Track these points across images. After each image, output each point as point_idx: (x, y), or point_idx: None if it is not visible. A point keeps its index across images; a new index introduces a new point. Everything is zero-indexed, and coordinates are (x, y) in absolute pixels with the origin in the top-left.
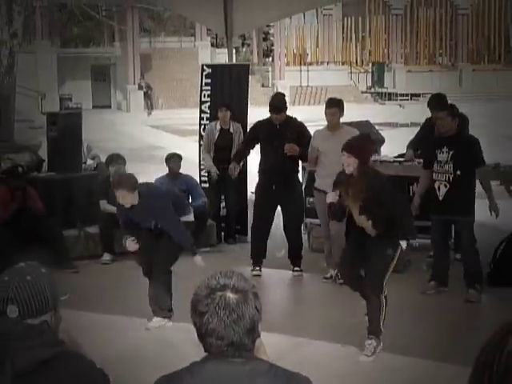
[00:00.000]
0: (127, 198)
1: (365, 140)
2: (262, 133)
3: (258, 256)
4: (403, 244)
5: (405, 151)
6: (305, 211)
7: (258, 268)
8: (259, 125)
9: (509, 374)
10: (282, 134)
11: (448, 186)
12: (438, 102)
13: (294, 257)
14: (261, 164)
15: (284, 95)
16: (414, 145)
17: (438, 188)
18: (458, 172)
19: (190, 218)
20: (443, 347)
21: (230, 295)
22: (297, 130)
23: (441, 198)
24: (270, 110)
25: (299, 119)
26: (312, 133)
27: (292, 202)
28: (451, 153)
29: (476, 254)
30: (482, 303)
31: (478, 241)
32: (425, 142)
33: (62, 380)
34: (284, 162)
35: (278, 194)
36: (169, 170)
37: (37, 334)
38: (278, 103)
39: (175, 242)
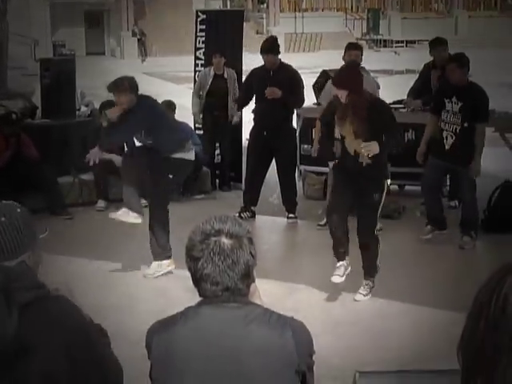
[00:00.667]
0: (123, 98)
1: (351, 70)
2: (256, 79)
3: (249, 201)
4: (388, 181)
5: (400, 98)
6: (299, 158)
7: (246, 213)
8: (254, 72)
9: (505, 314)
10: (274, 81)
11: (454, 138)
12: (439, 45)
13: (288, 203)
14: (254, 111)
15: (276, 38)
16: (414, 92)
17: (446, 138)
18: (466, 124)
19: (191, 155)
20: (439, 293)
21: (225, 240)
22: (290, 77)
23: (447, 148)
24: (260, 53)
25: (293, 66)
26: (305, 80)
27: (284, 149)
28: (460, 104)
29: (475, 201)
30: (476, 249)
31: None
32: (426, 89)
33: (44, 324)
34: (275, 108)
35: (270, 140)
36: None
37: (15, 276)
38: (268, 45)
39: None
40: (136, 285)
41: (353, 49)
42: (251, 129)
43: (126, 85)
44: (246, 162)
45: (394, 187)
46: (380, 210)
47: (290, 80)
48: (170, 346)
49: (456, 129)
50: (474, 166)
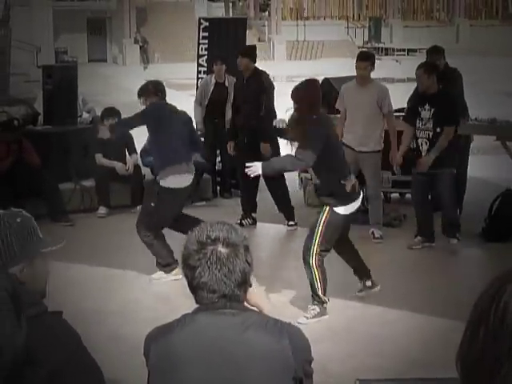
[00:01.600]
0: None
1: (307, 87)
2: (235, 87)
3: (248, 208)
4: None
5: (401, 106)
6: None
7: (246, 220)
8: (236, 80)
9: (504, 324)
10: (246, 89)
11: (428, 143)
12: (435, 53)
13: (284, 211)
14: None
15: (254, 46)
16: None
17: (421, 144)
18: (438, 129)
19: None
20: (438, 301)
21: (221, 249)
22: (260, 86)
23: (423, 154)
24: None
25: (295, 73)
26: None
27: (258, 154)
28: (432, 110)
29: (455, 204)
30: (476, 258)
31: (474, 196)
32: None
33: (49, 339)
34: (249, 117)
35: (252, 147)
36: None
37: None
38: (245, 48)
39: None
40: (137, 291)
41: (359, 60)
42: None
43: (150, 88)
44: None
45: (395, 195)
46: (317, 233)
47: (260, 89)
48: (167, 353)
49: (429, 134)
50: (425, 159)
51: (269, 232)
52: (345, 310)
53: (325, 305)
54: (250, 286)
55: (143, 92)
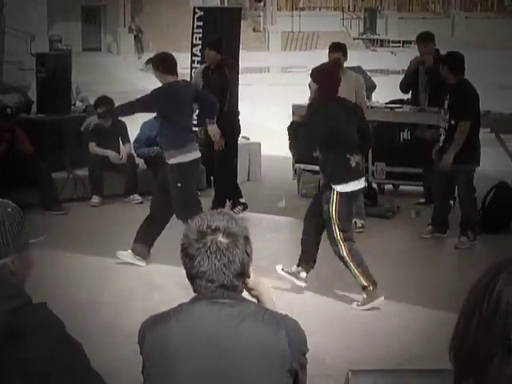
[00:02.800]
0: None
1: (326, 67)
2: (202, 78)
3: (232, 195)
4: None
5: (396, 98)
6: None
7: (237, 208)
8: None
9: (498, 314)
10: (210, 79)
11: (445, 135)
12: (423, 40)
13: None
14: None
15: (221, 39)
16: (403, 86)
17: (441, 135)
18: (452, 122)
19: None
20: (432, 293)
21: (221, 239)
22: (222, 79)
23: (440, 145)
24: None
25: (289, 64)
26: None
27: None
28: (449, 102)
29: (473, 201)
30: (470, 250)
31: None
32: (415, 83)
33: (37, 327)
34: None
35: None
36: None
37: None
38: (211, 41)
39: None
40: (131, 281)
41: (331, 51)
42: None
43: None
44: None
45: (389, 187)
46: (333, 221)
47: (222, 81)
48: (163, 343)
49: (446, 126)
50: (444, 158)
51: (265, 223)
52: (340, 302)
53: (370, 288)
54: (249, 277)
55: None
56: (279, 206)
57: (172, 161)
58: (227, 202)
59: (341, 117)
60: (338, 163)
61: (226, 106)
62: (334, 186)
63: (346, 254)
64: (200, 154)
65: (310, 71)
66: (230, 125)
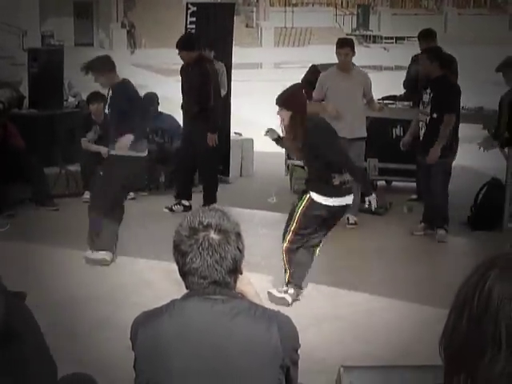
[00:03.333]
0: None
1: (295, 91)
2: (181, 74)
3: (181, 194)
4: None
5: (388, 94)
6: (287, 153)
7: (177, 206)
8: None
9: (488, 310)
10: (188, 77)
11: (425, 128)
12: (425, 37)
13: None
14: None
15: (190, 34)
16: (408, 83)
17: (421, 128)
18: (434, 115)
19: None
20: (424, 289)
21: (213, 236)
22: (203, 74)
23: (421, 138)
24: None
25: (282, 60)
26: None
27: (200, 143)
28: (431, 95)
29: (446, 195)
30: (463, 246)
31: (460, 185)
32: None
33: (21, 315)
34: (191, 104)
35: (191, 132)
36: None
37: None
38: (179, 41)
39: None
40: (123, 277)
41: (340, 47)
42: None
43: (99, 63)
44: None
45: (382, 183)
46: (294, 220)
47: (201, 78)
48: (156, 339)
49: (427, 119)
50: (431, 152)
51: (256, 218)
52: (331, 298)
53: (290, 290)
54: (241, 273)
55: (103, 67)
56: (270, 202)
57: (113, 152)
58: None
59: (319, 134)
60: (321, 179)
61: (212, 101)
62: (310, 192)
63: (284, 250)
64: (145, 154)
65: (276, 99)
66: (214, 121)
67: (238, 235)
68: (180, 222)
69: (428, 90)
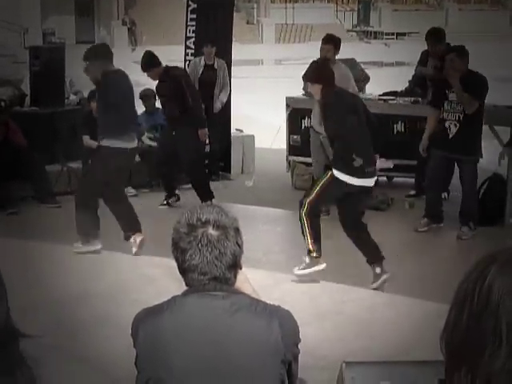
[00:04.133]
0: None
1: (321, 65)
2: (157, 92)
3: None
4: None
5: (389, 90)
6: (287, 149)
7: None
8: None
9: (489, 305)
10: (163, 90)
11: (458, 126)
12: (436, 37)
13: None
14: None
15: (150, 53)
16: (416, 79)
17: (449, 127)
18: (467, 112)
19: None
20: (426, 285)
21: (212, 232)
22: (177, 86)
23: (450, 136)
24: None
25: (283, 56)
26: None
27: (184, 145)
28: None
29: (475, 192)
30: (464, 242)
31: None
32: (433, 81)
33: None
34: (172, 110)
35: (175, 136)
36: (145, 107)
37: None
38: (142, 64)
39: None
40: (125, 273)
41: (323, 43)
42: None
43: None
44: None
45: (383, 179)
46: (313, 191)
47: (174, 83)
48: (156, 335)
49: (459, 116)
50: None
51: (257, 214)
52: (333, 294)
53: (314, 255)
54: (240, 268)
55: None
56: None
57: (103, 143)
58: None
59: (346, 111)
60: (342, 159)
61: (191, 102)
62: (333, 169)
63: (304, 216)
64: (134, 145)
65: (306, 75)
66: (200, 116)
67: (237, 230)
68: (178, 219)
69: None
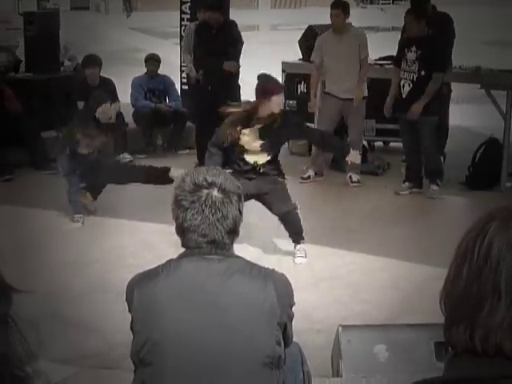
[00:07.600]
0: None
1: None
2: (201, 37)
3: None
4: None
5: (385, 54)
6: None
7: None
8: (200, 28)
9: (488, 262)
10: (217, 41)
11: (411, 86)
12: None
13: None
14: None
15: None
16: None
17: (403, 86)
18: (423, 72)
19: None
20: (421, 248)
21: (216, 194)
22: (232, 38)
23: (404, 96)
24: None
25: (279, 22)
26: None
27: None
28: (418, 53)
29: (436, 150)
30: (461, 206)
31: (457, 145)
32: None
33: None
34: (220, 67)
35: (215, 96)
36: (147, 70)
37: None
38: (211, 1)
39: None
40: (122, 238)
41: (331, 8)
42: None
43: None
44: (196, 119)
45: (379, 144)
46: None
47: (232, 41)
48: (151, 298)
49: (413, 77)
50: (414, 107)
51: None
52: (329, 258)
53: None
54: (238, 235)
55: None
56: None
57: None
58: None
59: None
60: None
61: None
62: None
63: None
64: None
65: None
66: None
67: (240, 197)
68: (182, 177)
69: (413, 48)
